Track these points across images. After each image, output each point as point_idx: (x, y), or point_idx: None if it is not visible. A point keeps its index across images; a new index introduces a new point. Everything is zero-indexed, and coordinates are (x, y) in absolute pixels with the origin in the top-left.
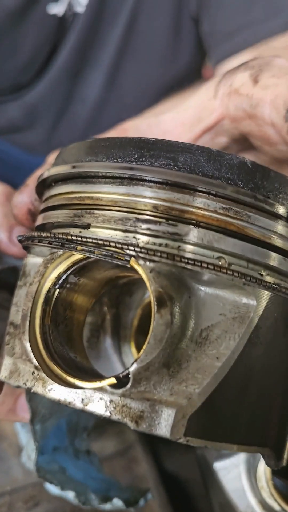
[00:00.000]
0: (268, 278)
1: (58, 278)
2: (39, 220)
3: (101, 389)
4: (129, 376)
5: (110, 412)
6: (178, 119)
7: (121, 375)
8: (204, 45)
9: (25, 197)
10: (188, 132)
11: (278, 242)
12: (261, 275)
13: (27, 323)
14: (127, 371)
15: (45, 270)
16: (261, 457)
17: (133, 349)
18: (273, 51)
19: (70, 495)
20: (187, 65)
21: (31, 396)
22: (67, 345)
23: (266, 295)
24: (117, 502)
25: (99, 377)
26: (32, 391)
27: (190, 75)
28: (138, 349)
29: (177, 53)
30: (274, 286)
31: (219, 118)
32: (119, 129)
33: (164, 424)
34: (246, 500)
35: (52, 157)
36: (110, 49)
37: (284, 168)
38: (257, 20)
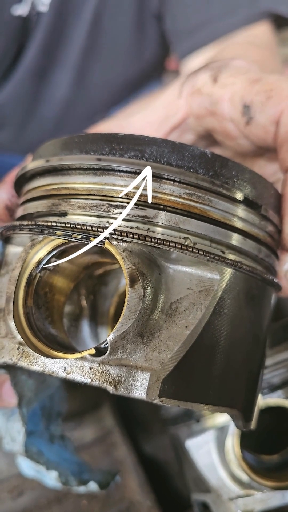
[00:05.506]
0: (230, 256)
1: (39, 262)
2: (19, 212)
3: (82, 358)
4: (107, 345)
5: (90, 378)
6: (147, 119)
7: (100, 346)
8: (167, 41)
9: (2, 193)
10: (156, 130)
11: (238, 223)
12: (223, 252)
13: (11, 304)
14: (105, 341)
15: (26, 256)
16: (228, 433)
17: None
18: (235, 47)
19: (53, 474)
20: (152, 61)
21: (16, 381)
22: (49, 325)
23: (228, 271)
24: (92, 485)
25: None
26: (18, 365)
27: (156, 70)
28: None
29: (141, 49)
30: (236, 263)
31: (184, 116)
32: (92, 131)
33: (140, 387)
34: (217, 473)
35: (30, 157)
36: (76, 48)
37: (247, 161)
38: (215, 17)
